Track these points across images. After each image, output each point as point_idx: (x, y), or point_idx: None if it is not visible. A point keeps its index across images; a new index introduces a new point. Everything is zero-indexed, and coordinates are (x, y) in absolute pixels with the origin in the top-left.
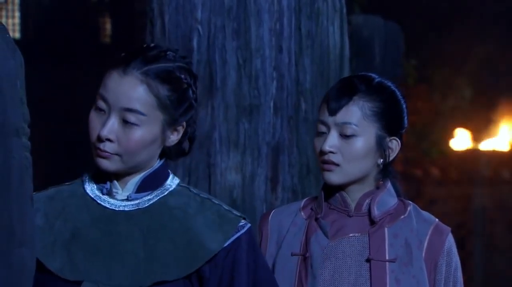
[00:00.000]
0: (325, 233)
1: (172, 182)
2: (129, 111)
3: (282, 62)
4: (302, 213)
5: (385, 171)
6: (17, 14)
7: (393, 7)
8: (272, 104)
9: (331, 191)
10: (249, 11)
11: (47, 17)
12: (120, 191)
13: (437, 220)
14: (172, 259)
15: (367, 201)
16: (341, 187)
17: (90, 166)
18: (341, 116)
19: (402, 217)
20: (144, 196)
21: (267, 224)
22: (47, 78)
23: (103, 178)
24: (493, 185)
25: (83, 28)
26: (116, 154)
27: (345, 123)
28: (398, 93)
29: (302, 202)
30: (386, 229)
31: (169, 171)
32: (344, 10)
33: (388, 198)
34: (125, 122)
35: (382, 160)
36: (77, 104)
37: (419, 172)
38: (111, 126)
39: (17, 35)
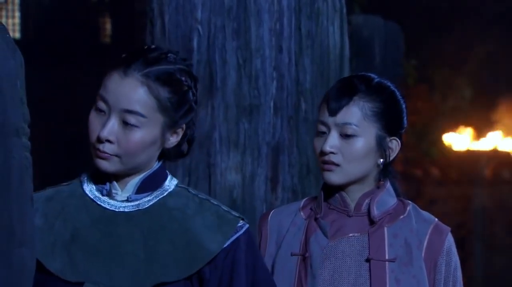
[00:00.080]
0: (324, 233)
1: (171, 183)
2: (129, 113)
3: (282, 62)
4: (302, 213)
5: (385, 171)
6: (17, 14)
7: (393, 7)
8: (272, 104)
9: (331, 191)
10: (249, 11)
11: (47, 17)
12: (119, 192)
13: (436, 219)
14: (172, 260)
15: (367, 201)
16: (341, 187)
17: (88, 166)
18: (341, 116)
19: (402, 216)
20: (144, 197)
21: (266, 224)
22: (47, 78)
23: (102, 178)
24: (493, 185)
25: (83, 28)
26: (116, 155)
27: (345, 123)
28: (397, 93)
29: (302, 202)
30: (385, 229)
31: (167, 171)
32: (344, 10)
33: (388, 197)
34: (125, 123)
35: (382, 160)
36: (77, 104)
37: (419, 172)
38: (111, 127)
39: (17, 35)
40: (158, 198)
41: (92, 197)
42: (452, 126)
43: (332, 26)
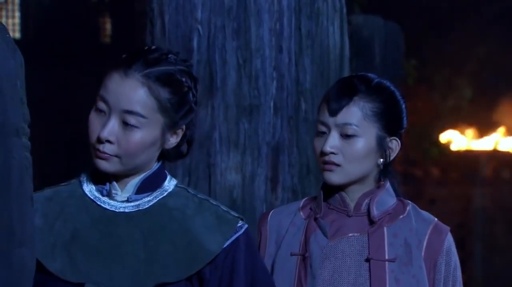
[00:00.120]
0: (324, 233)
1: (170, 183)
2: (130, 114)
3: (282, 62)
4: (301, 213)
5: (385, 171)
6: (17, 14)
7: (393, 7)
8: (272, 104)
9: (330, 190)
10: (249, 11)
11: (47, 17)
12: (119, 192)
13: (436, 219)
14: (172, 261)
15: (366, 200)
16: (341, 187)
17: (88, 166)
18: (341, 117)
19: (401, 216)
20: (144, 197)
21: (266, 224)
22: (47, 78)
23: (101, 179)
24: (493, 185)
25: (83, 28)
26: (116, 156)
27: (346, 124)
28: (397, 93)
29: (301, 202)
30: (385, 229)
31: (166, 172)
32: (344, 10)
33: (387, 197)
34: (125, 124)
35: (382, 160)
36: (77, 104)
37: (419, 172)
38: (111, 128)
39: (17, 35)
40: (158, 198)
41: (92, 198)
42: (452, 126)
43: (332, 26)
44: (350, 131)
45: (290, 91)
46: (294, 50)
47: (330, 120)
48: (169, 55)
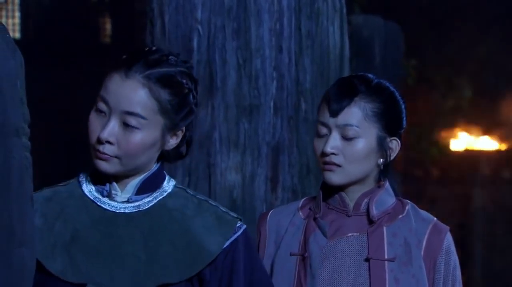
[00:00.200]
0: (323, 232)
1: (169, 183)
2: (130, 115)
3: (282, 62)
4: (301, 213)
5: (385, 171)
6: (17, 14)
7: (393, 7)
8: (272, 104)
9: (330, 190)
10: (249, 11)
11: (47, 17)
12: (119, 193)
13: (435, 219)
14: (172, 261)
15: (366, 200)
16: (341, 187)
17: (88, 166)
18: (342, 117)
19: (401, 216)
20: (144, 198)
21: (265, 224)
22: (47, 78)
23: (101, 179)
24: (493, 185)
25: (83, 28)
26: (116, 157)
27: (346, 125)
28: (397, 93)
29: (301, 202)
30: (384, 228)
31: (165, 172)
32: (344, 10)
33: (387, 197)
34: (125, 125)
35: (382, 160)
36: (77, 104)
37: (419, 172)
38: (112, 128)
39: (17, 35)
40: (157, 199)
41: (92, 198)
42: (452, 126)
43: (332, 26)
44: (351, 132)
45: (290, 91)
46: (294, 50)
47: (331, 121)
48: (170, 57)
